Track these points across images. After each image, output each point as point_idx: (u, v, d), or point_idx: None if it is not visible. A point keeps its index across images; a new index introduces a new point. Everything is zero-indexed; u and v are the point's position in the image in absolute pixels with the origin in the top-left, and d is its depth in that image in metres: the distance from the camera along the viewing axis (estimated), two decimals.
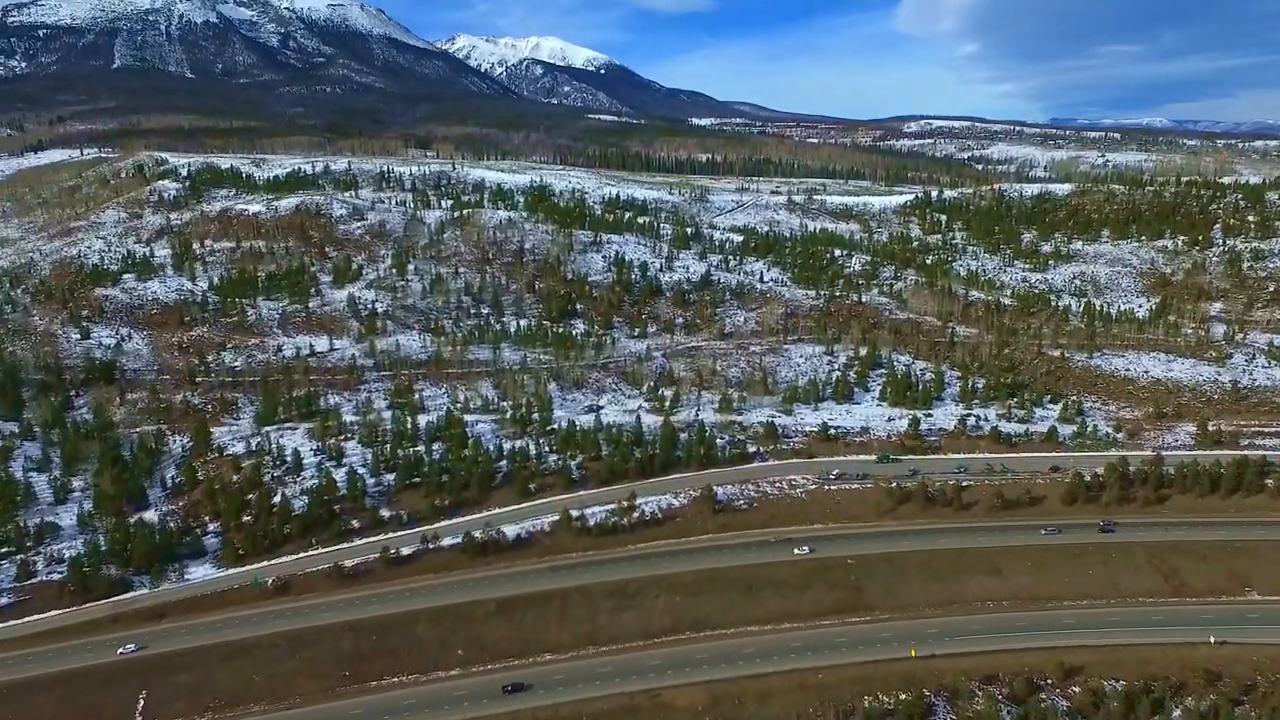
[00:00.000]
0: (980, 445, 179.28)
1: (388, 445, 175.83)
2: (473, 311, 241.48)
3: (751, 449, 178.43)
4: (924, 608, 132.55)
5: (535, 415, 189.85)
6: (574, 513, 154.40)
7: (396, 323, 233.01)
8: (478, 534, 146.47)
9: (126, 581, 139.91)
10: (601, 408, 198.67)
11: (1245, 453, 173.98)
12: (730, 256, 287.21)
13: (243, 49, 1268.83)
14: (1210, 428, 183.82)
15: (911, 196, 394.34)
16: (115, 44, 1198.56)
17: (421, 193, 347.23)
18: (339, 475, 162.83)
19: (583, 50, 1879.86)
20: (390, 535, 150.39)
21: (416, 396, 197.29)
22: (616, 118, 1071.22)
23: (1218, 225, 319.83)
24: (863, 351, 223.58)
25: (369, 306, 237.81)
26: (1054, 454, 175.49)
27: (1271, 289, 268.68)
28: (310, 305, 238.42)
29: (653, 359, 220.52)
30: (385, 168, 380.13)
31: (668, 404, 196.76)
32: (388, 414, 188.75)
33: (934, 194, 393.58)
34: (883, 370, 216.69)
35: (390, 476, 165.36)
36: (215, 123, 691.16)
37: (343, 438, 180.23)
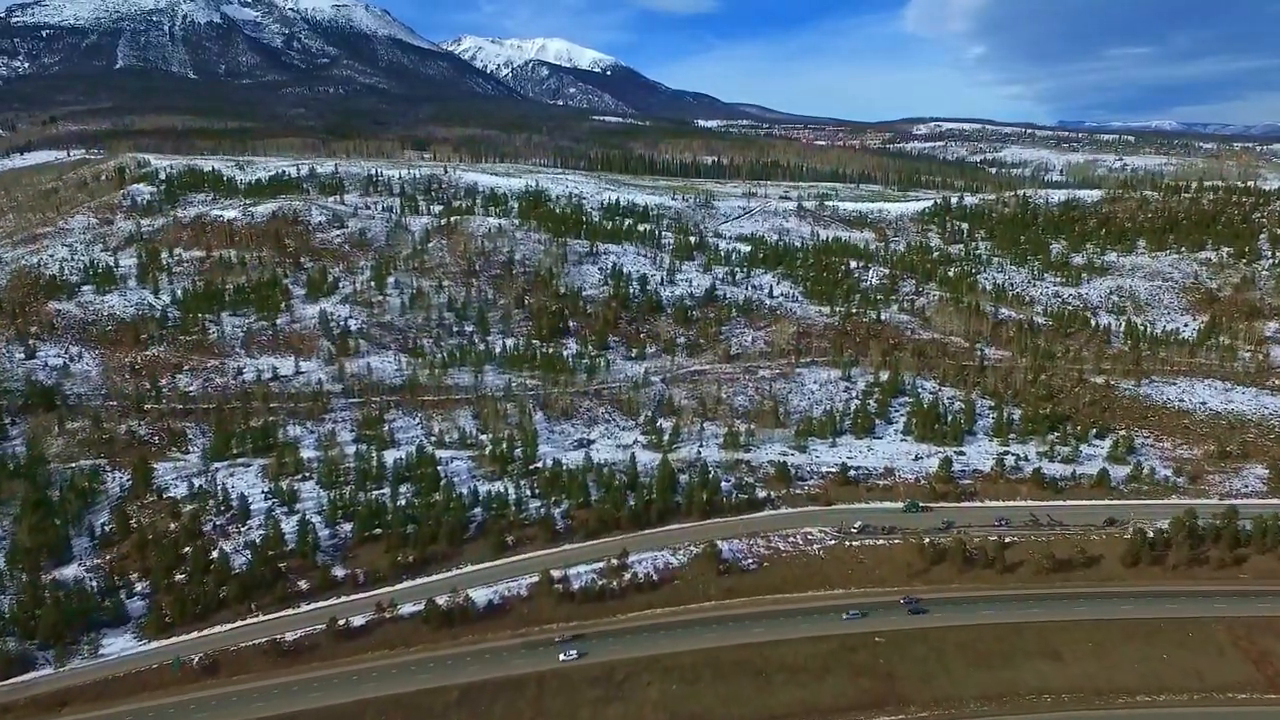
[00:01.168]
0: (1022, 491, 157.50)
1: (349, 487, 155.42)
2: (455, 330, 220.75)
3: (761, 494, 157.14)
4: (969, 701, 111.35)
5: (518, 451, 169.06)
6: (556, 573, 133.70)
7: (371, 342, 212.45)
8: (443, 600, 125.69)
9: (29, 658, 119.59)
10: (592, 442, 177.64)
11: None
12: (737, 268, 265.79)
13: (246, 50, 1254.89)
14: None
15: (929, 203, 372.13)
16: (119, 45, 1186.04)
17: (410, 197, 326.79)
18: (290, 525, 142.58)
19: (589, 52, 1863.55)
20: (342, 600, 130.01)
21: (386, 428, 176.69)
22: (621, 119, 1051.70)
23: (1263, 235, 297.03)
24: (883, 376, 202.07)
25: (342, 324, 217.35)
26: (1107, 502, 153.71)
27: None
28: (279, 322, 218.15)
29: (651, 385, 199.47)
30: (373, 171, 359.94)
31: (666, 439, 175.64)
32: (352, 449, 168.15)
33: (953, 200, 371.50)
34: (906, 398, 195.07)
35: (348, 526, 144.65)
36: (210, 123, 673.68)
37: (300, 477, 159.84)
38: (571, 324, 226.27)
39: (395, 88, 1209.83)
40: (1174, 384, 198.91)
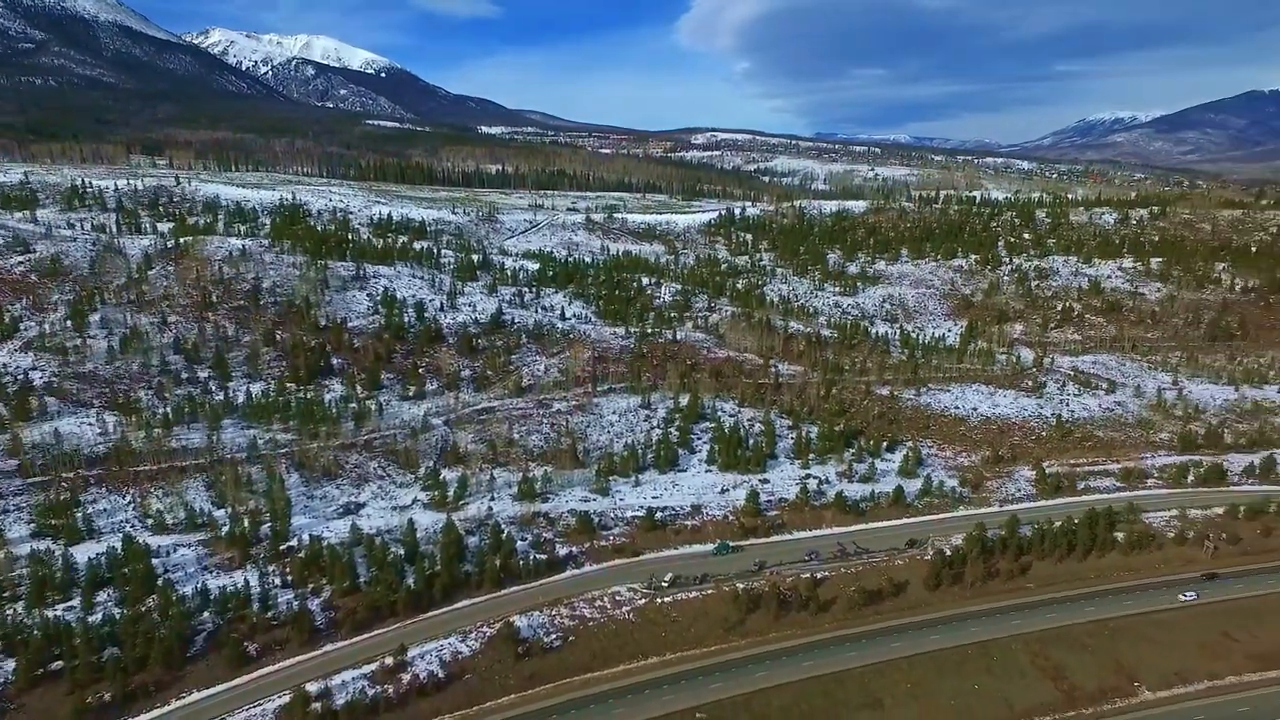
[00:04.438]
0: (827, 517, 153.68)
1: (19, 605, 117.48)
2: (185, 377, 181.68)
3: (563, 551, 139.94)
4: None
5: (266, 528, 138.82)
6: (313, 687, 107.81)
7: (63, 399, 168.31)
8: None
9: None
10: (362, 506, 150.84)
11: (1084, 498, 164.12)
12: (525, 289, 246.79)
13: None
14: (1047, 471, 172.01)
15: (715, 214, 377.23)
16: None
17: (130, 214, 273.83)
18: None
19: (361, 52, 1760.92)
20: None
21: (81, 514, 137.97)
22: (398, 124, 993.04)
23: (1000, 243, 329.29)
24: (683, 400, 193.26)
25: (21, 377, 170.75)
26: (906, 521, 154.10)
27: (1059, 308, 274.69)
28: None
29: (432, 429, 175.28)
30: (80, 180, 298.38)
31: (452, 494, 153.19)
32: (28, 549, 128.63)
33: (737, 211, 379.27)
34: (708, 423, 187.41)
35: (11, 664, 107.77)
36: None
37: None
38: (335, 361, 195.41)
39: (126, 82, 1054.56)
40: (948, 391, 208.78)
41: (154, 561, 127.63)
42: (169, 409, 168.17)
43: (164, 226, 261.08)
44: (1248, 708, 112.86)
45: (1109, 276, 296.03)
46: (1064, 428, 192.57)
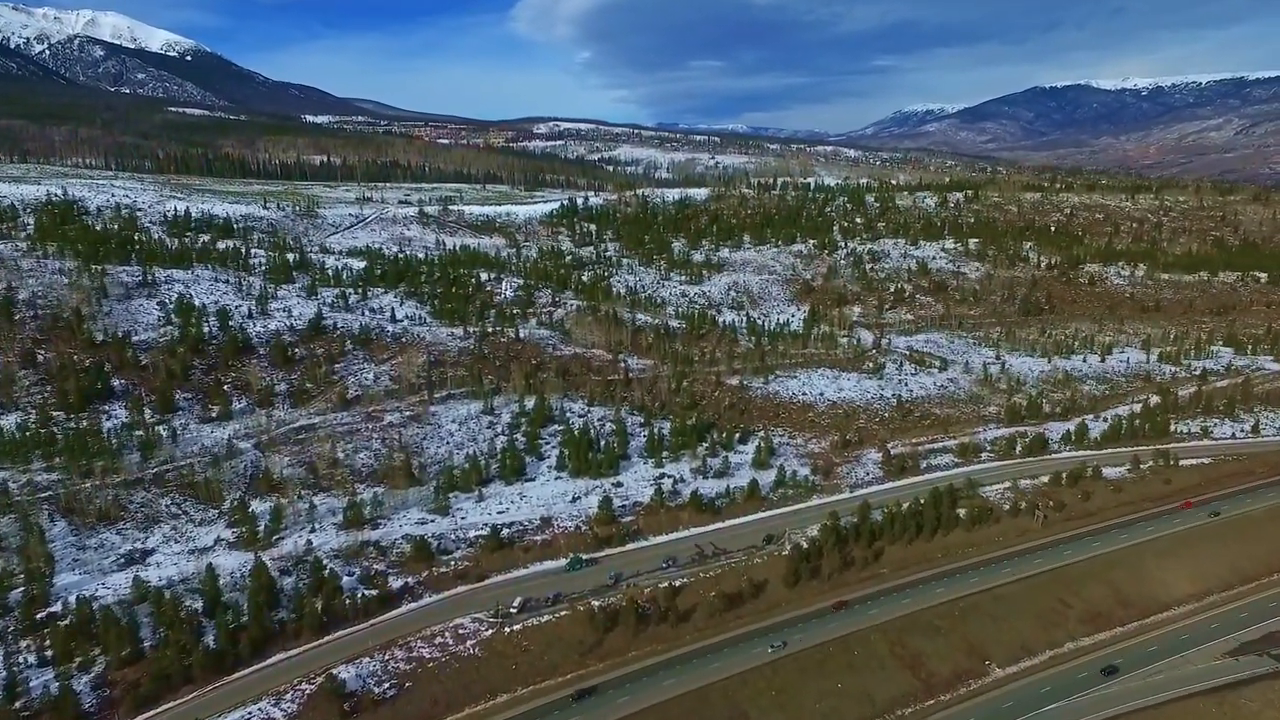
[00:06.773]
0: (683, 518, 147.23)
1: None
2: None
3: (396, 583, 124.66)
4: None
5: (18, 592, 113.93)
6: None
7: None
8: None
9: None
10: (150, 554, 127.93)
11: (927, 477, 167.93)
12: (350, 289, 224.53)
13: None
14: (892, 452, 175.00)
15: (557, 204, 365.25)
16: None
17: None
18: None
19: (160, 32, 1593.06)
20: None
21: None
22: (208, 112, 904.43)
23: (835, 228, 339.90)
24: (529, 403, 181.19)
25: None
26: (761, 515, 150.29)
27: (892, 290, 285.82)
28: None
29: (239, 454, 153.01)
30: None
31: (263, 529, 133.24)
32: None
33: (580, 201, 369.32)
34: (556, 425, 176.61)
35: None
36: None
37: None
38: (117, 383, 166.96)
39: None
40: (795, 377, 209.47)
41: None
42: None
43: None
44: (1085, 673, 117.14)
45: (934, 258, 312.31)
46: (904, 407, 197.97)
